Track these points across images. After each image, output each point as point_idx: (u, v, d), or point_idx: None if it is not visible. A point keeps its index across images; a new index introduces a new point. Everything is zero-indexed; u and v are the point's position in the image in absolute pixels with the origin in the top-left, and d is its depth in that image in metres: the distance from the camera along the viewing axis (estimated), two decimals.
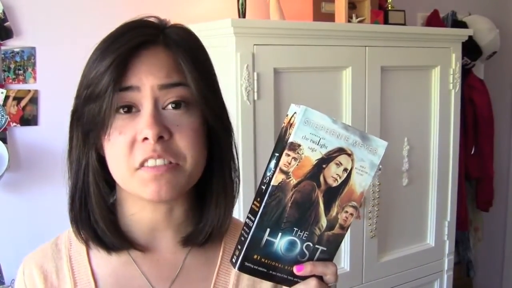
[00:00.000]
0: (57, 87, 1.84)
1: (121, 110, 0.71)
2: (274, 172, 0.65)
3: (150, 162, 0.71)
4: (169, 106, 0.72)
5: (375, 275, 2.13)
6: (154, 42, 0.73)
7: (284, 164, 0.65)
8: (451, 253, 2.38)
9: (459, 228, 2.58)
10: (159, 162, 0.71)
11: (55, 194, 1.82)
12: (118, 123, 0.71)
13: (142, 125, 0.70)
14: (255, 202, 0.68)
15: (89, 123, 0.72)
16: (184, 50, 0.74)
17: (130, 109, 0.72)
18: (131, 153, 0.71)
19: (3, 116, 1.77)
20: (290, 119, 0.66)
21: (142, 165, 0.71)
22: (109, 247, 0.78)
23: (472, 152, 2.83)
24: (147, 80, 0.71)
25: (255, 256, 0.68)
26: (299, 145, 0.65)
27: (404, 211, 2.21)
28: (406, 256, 2.22)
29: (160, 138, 0.70)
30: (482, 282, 3.27)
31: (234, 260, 0.69)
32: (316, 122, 0.65)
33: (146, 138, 0.70)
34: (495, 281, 3.36)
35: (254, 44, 1.70)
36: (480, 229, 3.05)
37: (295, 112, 0.66)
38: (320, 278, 0.70)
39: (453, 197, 2.34)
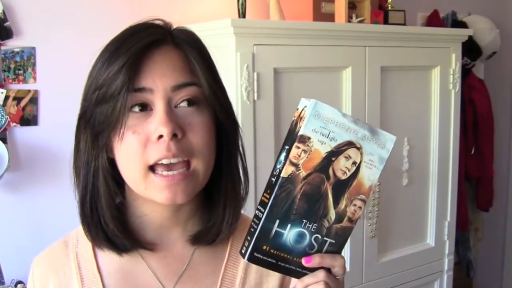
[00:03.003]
0: (57, 87, 1.84)
1: (134, 109, 0.72)
2: (284, 164, 0.66)
3: (165, 161, 0.71)
4: (181, 104, 0.73)
5: (375, 275, 2.13)
6: (164, 41, 0.74)
7: (294, 157, 0.66)
8: (451, 253, 2.38)
9: (459, 228, 2.58)
10: (173, 161, 0.71)
11: (55, 194, 1.83)
12: (132, 122, 0.71)
13: (156, 123, 0.70)
14: (265, 194, 0.68)
15: (101, 124, 0.72)
16: (193, 49, 0.75)
17: (143, 107, 0.72)
18: (144, 152, 0.71)
19: (3, 116, 1.77)
20: (300, 113, 0.67)
21: (155, 165, 0.72)
22: (120, 249, 0.79)
23: (472, 152, 2.83)
24: (161, 82, 0.71)
25: (264, 247, 0.68)
26: (309, 138, 0.65)
27: (404, 211, 2.21)
28: (406, 256, 2.22)
29: (174, 136, 0.70)
30: (482, 282, 3.27)
31: (243, 251, 0.69)
32: (326, 115, 0.66)
33: (160, 136, 0.70)
34: (495, 281, 3.36)
35: (254, 44, 1.70)
36: (480, 229, 3.05)
37: (305, 106, 0.66)
38: (328, 270, 0.71)
39: (453, 197, 2.34)
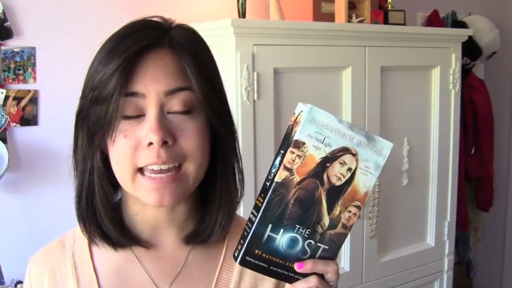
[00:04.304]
0: (57, 87, 1.84)
1: (126, 114, 0.71)
2: (278, 168, 0.66)
3: (155, 167, 0.71)
4: (174, 109, 0.72)
5: (375, 275, 2.13)
6: (160, 44, 0.73)
7: (288, 161, 0.65)
8: (451, 253, 2.38)
9: (459, 228, 2.58)
10: (164, 167, 0.71)
11: (55, 194, 1.83)
12: (123, 126, 0.71)
13: (147, 130, 0.70)
14: (259, 198, 0.68)
15: (95, 124, 0.72)
16: (189, 52, 0.74)
17: (136, 112, 0.72)
18: (134, 156, 0.72)
19: (3, 116, 1.77)
20: (297, 117, 0.67)
21: (144, 168, 0.72)
22: (115, 244, 0.79)
23: (472, 152, 2.83)
24: (153, 87, 0.71)
25: (257, 251, 0.68)
26: (304, 143, 0.65)
27: (404, 211, 2.22)
28: (406, 256, 2.22)
29: (164, 143, 0.70)
30: (482, 282, 3.27)
31: (236, 254, 0.69)
32: (321, 120, 0.65)
33: (151, 143, 0.70)
34: (495, 281, 3.36)
35: (254, 44, 1.70)
36: (480, 229, 3.05)
37: (301, 111, 0.66)
38: (321, 276, 0.70)
39: (453, 197, 2.34)
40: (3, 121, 1.77)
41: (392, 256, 2.19)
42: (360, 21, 2.09)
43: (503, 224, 3.32)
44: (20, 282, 1.72)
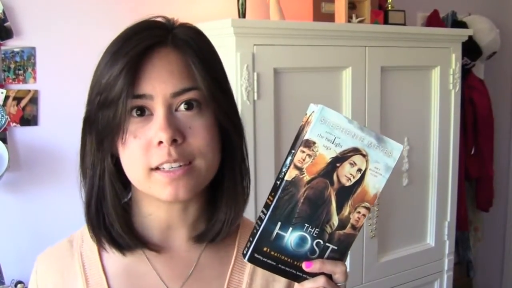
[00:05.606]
0: (57, 87, 1.84)
1: (134, 113, 0.72)
2: (289, 167, 0.66)
3: (166, 166, 0.71)
4: (182, 107, 0.72)
5: (375, 275, 2.13)
6: (164, 43, 0.73)
7: (299, 160, 0.66)
8: (451, 253, 2.38)
9: (459, 228, 2.58)
10: (174, 165, 0.71)
11: (55, 194, 1.83)
12: (133, 127, 0.72)
13: (156, 128, 0.70)
14: (269, 197, 0.69)
15: (104, 128, 0.72)
16: (193, 50, 0.74)
17: (143, 112, 0.72)
18: (146, 155, 0.71)
19: (3, 116, 1.76)
20: (308, 118, 0.67)
21: (158, 167, 0.72)
22: (124, 248, 0.79)
23: (472, 152, 2.83)
24: (160, 88, 0.71)
25: (265, 249, 0.68)
26: (314, 143, 0.66)
27: (404, 211, 2.22)
28: (406, 256, 2.23)
29: (174, 142, 0.70)
30: (482, 282, 3.27)
31: (245, 252, 0.70)
32: (332, 121, 0.66)
33: (161, 142, 0.70)
34: (495, 281, 3.36)
35: (254, 44, 1.70)
36: (480, 229, 3.05)
37: (313, 111, 0.67)
38: (329, 276, 0.70)
39: (453, 197, 2.35)
40: (3, 121, 1.77)
41: (392, 256, 2.19)
42: (360, 21, 2.09)
43: (503, 224, 3.32)
44: (20, 282, 1.72)
